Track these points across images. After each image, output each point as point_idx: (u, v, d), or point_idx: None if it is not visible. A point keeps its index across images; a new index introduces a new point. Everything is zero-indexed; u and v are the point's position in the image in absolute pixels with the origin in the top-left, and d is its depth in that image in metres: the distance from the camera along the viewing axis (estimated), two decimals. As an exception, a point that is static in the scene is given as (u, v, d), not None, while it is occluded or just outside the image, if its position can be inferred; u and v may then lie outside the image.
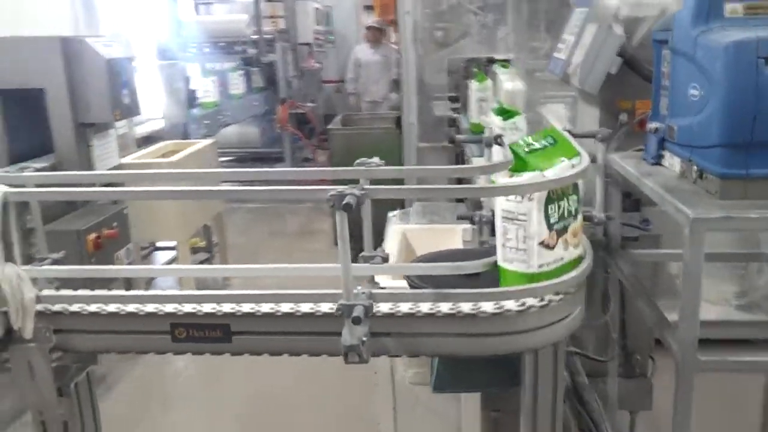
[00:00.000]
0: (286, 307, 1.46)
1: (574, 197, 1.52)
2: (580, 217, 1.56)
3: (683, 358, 1.54)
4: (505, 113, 2.23)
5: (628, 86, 2.26)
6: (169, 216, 4.11)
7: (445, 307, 1.46)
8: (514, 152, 1.48)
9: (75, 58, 3.53)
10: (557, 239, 1.49)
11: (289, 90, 7.90)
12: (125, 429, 3.24)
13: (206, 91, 5.61)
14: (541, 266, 1.48)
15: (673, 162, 1.86)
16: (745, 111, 1.59)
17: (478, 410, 2.26)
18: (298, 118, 8.19)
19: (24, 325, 1.49)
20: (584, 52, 2.41)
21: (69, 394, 1.64)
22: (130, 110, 3.84)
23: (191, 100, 5.63)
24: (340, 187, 1.35)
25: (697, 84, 1.71)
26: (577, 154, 1.55)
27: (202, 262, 4.97)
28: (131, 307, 1.52)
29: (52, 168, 3.69)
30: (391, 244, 2.59)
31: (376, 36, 7.90)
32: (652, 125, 1.92)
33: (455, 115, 3.69)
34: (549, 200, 1.45)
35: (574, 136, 1.86)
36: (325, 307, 1.46)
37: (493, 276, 1.53)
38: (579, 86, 2.44)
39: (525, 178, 1.46)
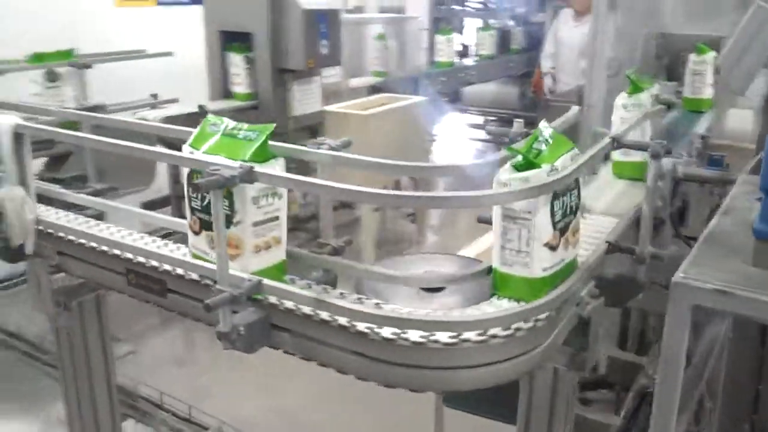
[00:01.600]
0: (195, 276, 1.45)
1: (576, 191, 1.31)
2: (579, 214, 1.34)
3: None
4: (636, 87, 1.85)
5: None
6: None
7: (343, 320, 1.30)
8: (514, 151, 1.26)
9: (278, 6, 3.79)
10: (560, 239, 1.28)
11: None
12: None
13: (441, 49, 5.58)
14: (545, 269, 1.28)
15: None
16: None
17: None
18: (556, 83, 7.73)
19: (26, 242, 1.72)
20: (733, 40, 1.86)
21: (71, 309, 1.85)
22: (328, 60, 4.01)
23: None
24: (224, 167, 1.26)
25: None
26: (573, 146, 1.32)
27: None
28: (104, 247, 1.64)
29: (252, 107, 4.09)
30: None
31: (583, 4, 5.69)
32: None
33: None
34: (555, 196, 1.25)
35: (623, 145, 1.48)
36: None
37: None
38: (724, 84, 1.91)
39: (534, 173, 1.22)
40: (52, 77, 3.12)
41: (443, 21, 8.01)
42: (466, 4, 8.95)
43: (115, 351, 3.24)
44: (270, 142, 1.33)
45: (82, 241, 1.66)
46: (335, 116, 4.30)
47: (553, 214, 1.24)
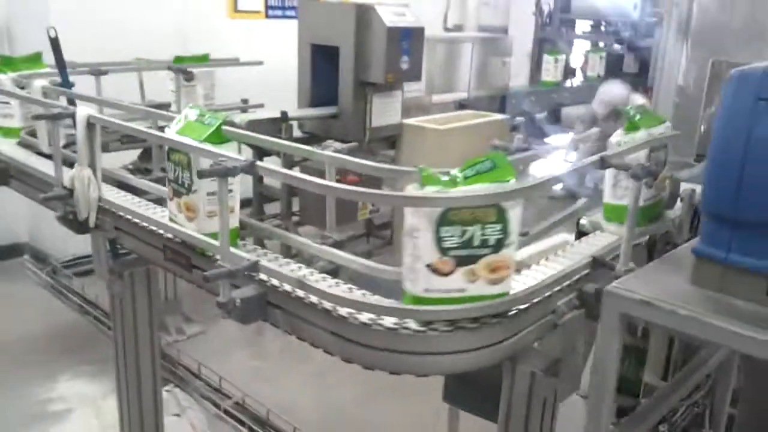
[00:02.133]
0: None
1: (498, 227, 1.33)
2: (505, 252, 1.35)
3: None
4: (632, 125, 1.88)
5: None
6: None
7: (328, 304, 1.46)
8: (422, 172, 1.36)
9: (364, 23, 4.01)
10: (454, 267, 1.33)
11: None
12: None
13: (547, 69, 5.61)
14: (427, 290, 1.35)
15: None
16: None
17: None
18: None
19: (89, 216, 2.00)
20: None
21: (124, 278, 2.12)
22: (408, 76, 4.19)
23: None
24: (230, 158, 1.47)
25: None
26: (510, 179, 1.34)
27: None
28: (148, 224, 1.89)
29: (333, 116, 4.33)
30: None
31: None
32: None
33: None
34: (444, 221, 1.30)
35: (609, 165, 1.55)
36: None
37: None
38: None
39: (424, 191, 1.34)
40: (188, 78, 3.46)
41: (548, 42, 8.01)
42: (574, 25, 8.87)
43: (186, 330, 3.59)
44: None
45: (132, 218, 1.92)
46: (412, 129, 4.46)
47: (439, 239, 1.31)
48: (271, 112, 4.01)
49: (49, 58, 2.77)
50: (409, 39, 4.13)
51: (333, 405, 3.23)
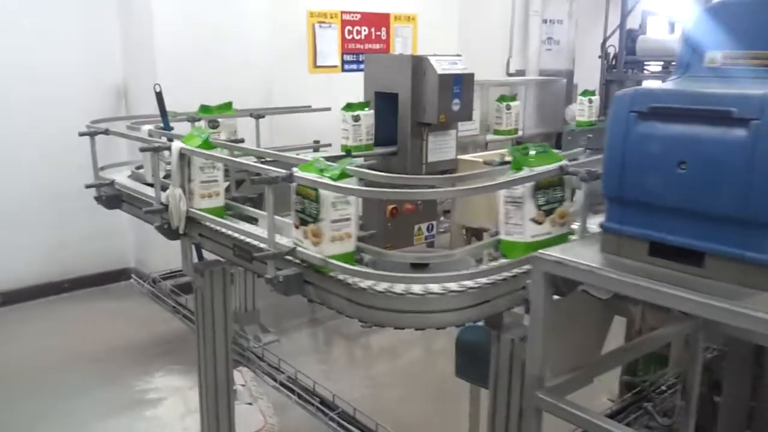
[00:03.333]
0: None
1: (560, 188, 1.95)
2: (566, 203, 1.97)
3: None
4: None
5: None
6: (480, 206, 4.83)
7: (349, 279, 1.94)
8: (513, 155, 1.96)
9: (419, 71, 4.55)
10: (545, 217, 1.94)
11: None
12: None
13: (581, 110, 5.93)
14: (534, 236, 1.93)
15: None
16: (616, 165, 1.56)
17: None
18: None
19: (179, 225, 2.59)
20: None
21: (204, 274, 2.69)
22: (459, 116, 4.68)
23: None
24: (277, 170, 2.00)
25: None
26: (560, 159, 1.96)
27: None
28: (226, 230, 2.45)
29: (393, 153, 4.85)
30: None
31: None
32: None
33: None
34: (537, 188, 1.91)
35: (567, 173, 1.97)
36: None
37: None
38: None
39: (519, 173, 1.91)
40: (213, 125, 4.11)
41: (616, 83, 8.30)
42: (645, 66, 9.10)
43: (262, 338, 4.14)
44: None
45: (211, 225, 2.49)
46: (466, 164, 4.92)
47: (536, 199, 1.90)
48: (334, 151, 4.58)
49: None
50: (460, 84, 4.62)
51: (381, 401, 3.70)
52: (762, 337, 1.51)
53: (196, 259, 3.01)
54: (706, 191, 1.38)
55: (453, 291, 1.85)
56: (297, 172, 2.00)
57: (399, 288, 1.86)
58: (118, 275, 5.45)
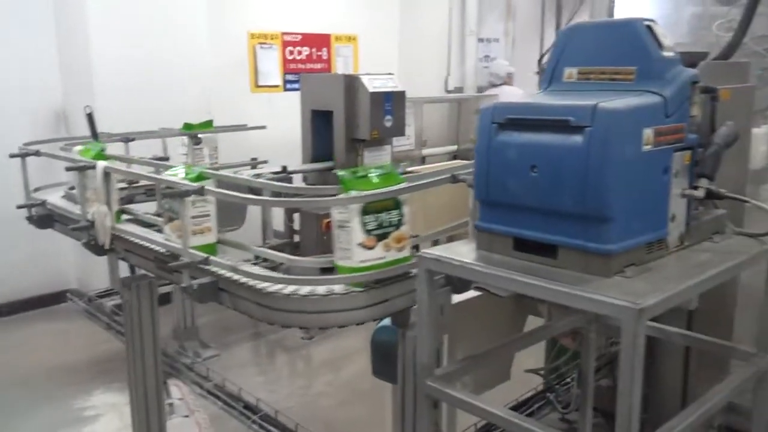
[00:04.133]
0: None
1: (396, 212, 1.98)
2: (403, 228, 2.01)
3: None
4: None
5: None
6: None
7: (260, 285, 2.07)
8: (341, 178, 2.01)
9: (352, 90, 4.72)
10: (376, 242, 1.96)
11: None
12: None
13: None
14: (363, 261, 1.96)
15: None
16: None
17: None
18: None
19: (104, 241, 2.69)
20: None
21: (131, 288, 2.79)
22: (391, 132, 4.85)
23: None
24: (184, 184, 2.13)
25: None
26: (400, 182, 2.03)
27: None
28: (148, 244, 2.55)
29: (329, 168, 5.02)
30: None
31: None
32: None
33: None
34: (366, 212, 1.93)
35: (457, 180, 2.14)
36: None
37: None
38: None
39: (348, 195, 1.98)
40: (196, 141, 4.22)
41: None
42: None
43: (202, 354, 4.22)
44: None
45: (134, 240, 2.60)
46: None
47: (364, 224, 1.91)
48: (271, 168, 4.71)
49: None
50: (391, 101, 4.81)
51: (315, 408, 3.86)
52: (611, 319, 1.69)
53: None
54: (554, 191, 1.57)
55: (354, 291, 2.00)
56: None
57: (304, 290, 2.00)
58: (60, 297, 5.46)
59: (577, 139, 1.51)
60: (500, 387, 3.09)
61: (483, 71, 8.16)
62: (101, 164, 2.68)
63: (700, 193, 1.73)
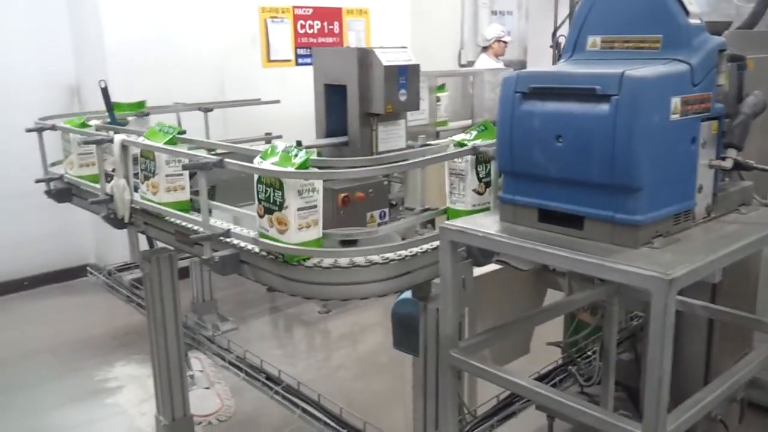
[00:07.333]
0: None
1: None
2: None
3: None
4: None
5: None
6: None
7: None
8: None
9: (365, 64, 4.68)
10: (485, 189, 2.10)
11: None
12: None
13: None
14: (474, 205, 2.08)
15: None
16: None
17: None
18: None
19: (124, 214, 2.70)
20: None
21: (151, 261, 2.80)
22: (406, 106, 4.82)
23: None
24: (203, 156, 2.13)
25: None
26: None
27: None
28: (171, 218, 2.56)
29: (343, 143, 5.00)
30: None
31: None
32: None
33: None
34: (478, 162, 2.06)
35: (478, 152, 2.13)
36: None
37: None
38: None
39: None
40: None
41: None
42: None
43: (221, 327, 4.26)
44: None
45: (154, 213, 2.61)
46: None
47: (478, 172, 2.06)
48: (286, 142, 4.70)
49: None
50: (405, 75, 4.76)
51: (336, 380, 3.89)
52: (633, 292, 1.68)
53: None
54: (580, 162, 1.55)
55: (376, 263, 2.00)
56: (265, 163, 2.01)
57: (327, 262, 2.00)
58: (79, 271, 5.51)
59: (604, 107, 1.49)
60: (519, 360, 3.11)
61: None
62: (119, 137, 2.68)
63: (728, 163, 1.71)
